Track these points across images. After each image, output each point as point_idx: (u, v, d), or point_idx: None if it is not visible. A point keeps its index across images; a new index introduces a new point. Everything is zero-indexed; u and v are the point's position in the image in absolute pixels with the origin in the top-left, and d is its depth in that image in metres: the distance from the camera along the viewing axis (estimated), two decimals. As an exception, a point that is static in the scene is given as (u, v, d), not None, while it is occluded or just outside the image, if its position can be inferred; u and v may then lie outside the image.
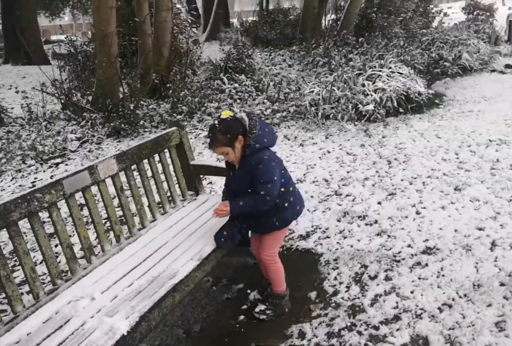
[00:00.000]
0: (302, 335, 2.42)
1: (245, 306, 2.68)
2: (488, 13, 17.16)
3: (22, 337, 1.90)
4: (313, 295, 2.72)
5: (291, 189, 2.41)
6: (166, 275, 2.24)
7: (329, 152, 5.19)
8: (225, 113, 2.28)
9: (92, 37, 8.82)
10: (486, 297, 2.52)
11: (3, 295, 2.51)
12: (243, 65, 8.37)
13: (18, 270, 3.14)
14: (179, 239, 2.61)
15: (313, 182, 4.38)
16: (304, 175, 4.57)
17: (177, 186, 3.15)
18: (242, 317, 2.59)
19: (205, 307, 2.74)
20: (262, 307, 2.56)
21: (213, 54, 9.97)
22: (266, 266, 2.56)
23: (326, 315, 2.54)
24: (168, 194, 3.06)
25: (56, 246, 3.28)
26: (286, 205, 2.37)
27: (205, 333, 2.52)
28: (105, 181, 2.53)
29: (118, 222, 2.61)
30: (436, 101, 7.07)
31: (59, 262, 3.10)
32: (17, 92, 7.05)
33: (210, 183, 4.51)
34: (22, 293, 2.77)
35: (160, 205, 2.98)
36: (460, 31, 11.54)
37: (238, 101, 7.21)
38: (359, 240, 3.26)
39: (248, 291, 2.82)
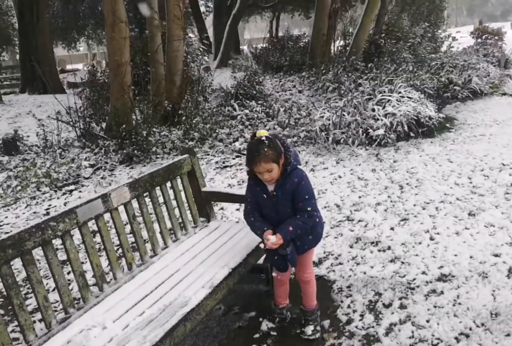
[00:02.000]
0: (316, 365, 2.37)
1: (257, 335, 2.64)
2: (496, 37, 17.32)
3: (34, 367, 1.89)
4: (326, 323, 2.68)
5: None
6: (177, 304, 2.22)
7: (340, 177, 5.19)
8: (262, 133, 2.25)
9: (107, 66, 9.07)
10: (504, 326, 2.45)
11: (15, 322, 2.51)
12: (254, 92, 8.50)
13: (31, 297, 3.15)
14: (191, 266, 2.61)
15: (325, 207, 4.36)
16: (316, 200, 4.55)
17: (188, 212, 3.16)
18: (254, 346, 2.56)
19: (217, 335, 2.71)
20: (311, 327, 2.56)
21: (224, 81, 10.15)
22: (309, 284, 2.58)
23: (340, 344, 2.49)
24: (180, 221, 3.08)
25: (68, 273, 3.30)
26: (317, 219, 2.40)
27: (216, 364, 2.48)
28: (118, 209, 2.56)
29: (130, 249, 2.62)
30: (447, 125, 7.08)
31: (71, 290, 3.10)
32: (34, 117, 7.24)
33: (222, 208, 4.52)
34: (34, 321, 2.76)
35: (172, 232, 2.99)
36: (469, 55, 11.64)
37: (249, 127, 7.30)
38: (372, 267, 3.21)
39: (260, 319, 2.78)
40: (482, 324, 2.50)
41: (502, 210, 3.90)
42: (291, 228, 2.27)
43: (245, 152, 6.49)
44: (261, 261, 3.02)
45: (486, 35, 17.32)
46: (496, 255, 3.20)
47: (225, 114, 7.90)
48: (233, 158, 6.24)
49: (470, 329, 2.47)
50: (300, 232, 2.30)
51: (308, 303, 2.61)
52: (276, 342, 2.58)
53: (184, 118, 7.21)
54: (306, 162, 5.83)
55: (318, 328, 2.57)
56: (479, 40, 16.83)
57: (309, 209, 2.29)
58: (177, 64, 7.80)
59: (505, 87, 9.59)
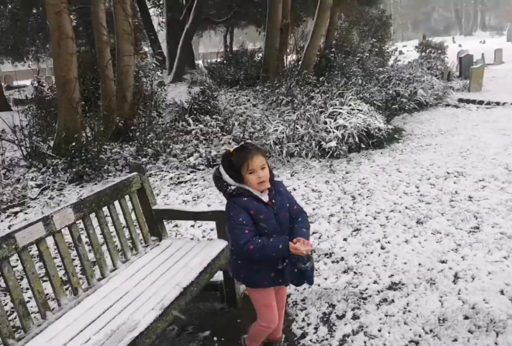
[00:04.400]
0: (270, 383, 2.34)
1: (211, 355, 2.59)
2: (439, 51, 18.23)
3: None
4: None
5: None
6: (125, 328, 2.14)
7: (294, 190, 5.24)
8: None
9: (54, 82, 8.82)
10: (452, 331, 2.52)
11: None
12: (209, 106, 8.50)
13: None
14: (141, 287, 2.53)
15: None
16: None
17: (139, 231, 3.09)
18: (208, 367, 2.50)
19: (170, 358, 2.63)
20: None
21: (179, 95, 10.10)
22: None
23: (294, 359, 2.48)
24: (130, 241, 3.00)
25: (5, 304, 3.11)
26: None
27: (170, 388, 2.40)
28: (61, 231, 2.46)
29: (76, 273, 2.52)
30: (396, 136, 7.33)
31: (11, 319, 2.94)
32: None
33: (176, 225, 4.45)
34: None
35: (121, 252, 2.91)
36: (414, 69, 12.16)
37: (203, 142, 7.27)
38: (326, 279, 3.24)
39: (215, 338, 2.74)
40: (431, 331, 2.56)
41: (448, 217, 4.06)
42: (304, 230, 2.17)
43: (200, 167, 6.46)
44: (215, 278, 2.99)
45: (430, 49, 18.20)
46: (443, 261, 3.31)
47: (179, 129, 7.84)
48: (188, 174, 6.18)
49: (420, 336, 2.53)
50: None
51: (279, 333, 2.55)
52: (230, 361, 2.54)
53: (137, 134, 7.10)
54: (261, 175, 5.85)
55: None
56: (423, 54, 17.65)
57: (301, 207, 2.29)
58: (128, 79, 7.70)
59: (448, 99, 10.07)
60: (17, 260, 2.88)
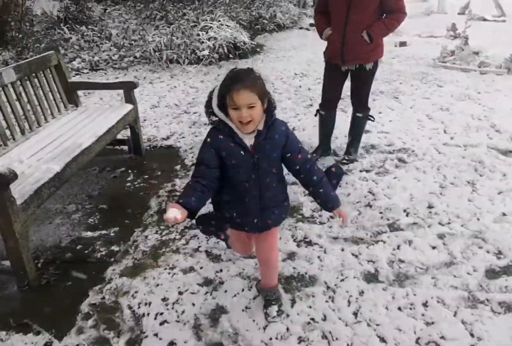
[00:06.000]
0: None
1: (129, 182, 3.67)
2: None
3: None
4: (178, 167, 3.87)
5: None
6: (72, 147, 3.10)
7: (175, 87, 6.26)
8: None
9: None
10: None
11: None
12: (84, 17, 8.71)
13: None
14: (76, 128, 3.45)
15: (166, 106, 5.44)
16: (158, 102, 5.59)
17: (60, 99, 3.90)
18: (127, 187, 3.61)
19: (98, 182, 3.69)
20: (275, 307, 2.17)
21: (47, 6, 9.91)
22: (275, 266, 2.15)
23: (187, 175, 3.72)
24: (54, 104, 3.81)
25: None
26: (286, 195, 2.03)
27: (102, 195, 3.48)
28: (8, 86, 3.22)
29: (22, 119, 3.34)
30: (258, 50, 8.60)
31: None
32: None
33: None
34: None
35: (49, 112, 3.72)
36: (275, -5, 13.30)
37: (85, 48, 7.69)
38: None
39: (129, 171, 3.84)
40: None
41: (293, 100, 5.52)
42: (332, 193, 1.93)
43: (84, 71, 7.00)
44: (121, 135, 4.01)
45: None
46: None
47: (55, 39, 8.05)
48: (73, 76, 6.72)
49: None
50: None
51: (272, 282, 2.19)
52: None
53: (19, 36, 7.18)
54: (144, 77, 6.71)
55: (283, 308, 2.20)
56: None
57: (309, 156, 1.91)
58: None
59: (302, 23, 11.58)
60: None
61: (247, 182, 1.82)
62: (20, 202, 2.35)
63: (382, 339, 2.06)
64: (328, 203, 1.92)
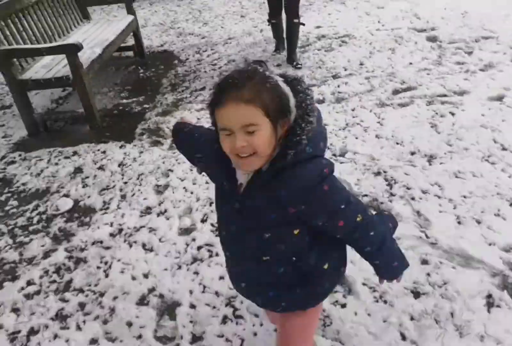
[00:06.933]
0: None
1: (141, 74, 4.86)
2: None
3: None
4: (176, 62, 5.05)
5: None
6: (103, 40, 4.23)
7: (156, 12, 7.25)
8: None
9: None
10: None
11: None
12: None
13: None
14: (98, 31, 4.57)
15: (153, 25, 6.50)
16: (145, 23, 6.62)
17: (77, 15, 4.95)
18: (141, 76, 4.81)
19: (118, 76, 4.86)
20: None
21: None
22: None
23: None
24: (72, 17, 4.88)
25: None
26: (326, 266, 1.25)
27: (124, 82, 4.67)
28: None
29: (52, 28, 4.44)
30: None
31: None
32: None
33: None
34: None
35: (73, 23, 4.79)
36: None
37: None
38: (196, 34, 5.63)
39: (139, 67, 5.00)
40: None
41: (259, 12, 6.61)
42: (396, 264, 1.27)
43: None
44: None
45: None
46: (255, 26, 5.90)
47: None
48: None
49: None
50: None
51: None
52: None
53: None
54: (127, 6, 7.64)
55: None
56: None
57: (359, 218, 1.14)
58: None
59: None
60: None
61: (226, 232, 1.25)
62: (85, 66, 3.56)
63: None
64: (388, 274, 1.31)
